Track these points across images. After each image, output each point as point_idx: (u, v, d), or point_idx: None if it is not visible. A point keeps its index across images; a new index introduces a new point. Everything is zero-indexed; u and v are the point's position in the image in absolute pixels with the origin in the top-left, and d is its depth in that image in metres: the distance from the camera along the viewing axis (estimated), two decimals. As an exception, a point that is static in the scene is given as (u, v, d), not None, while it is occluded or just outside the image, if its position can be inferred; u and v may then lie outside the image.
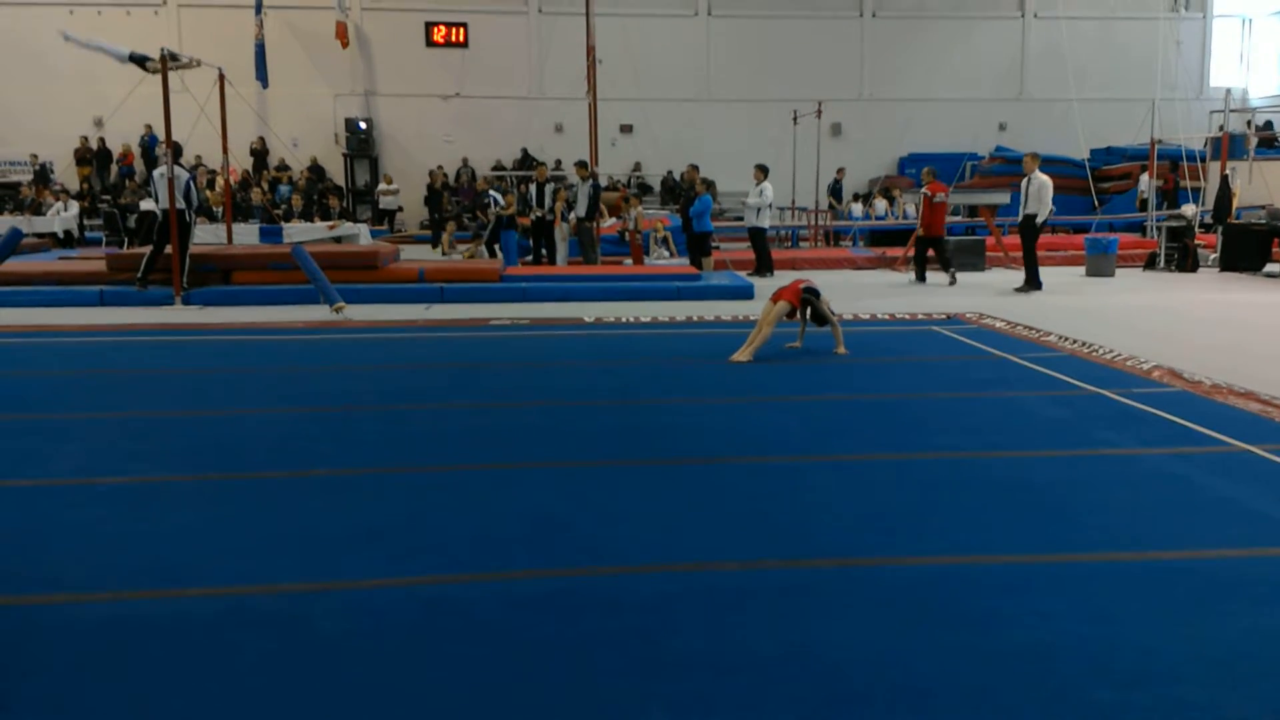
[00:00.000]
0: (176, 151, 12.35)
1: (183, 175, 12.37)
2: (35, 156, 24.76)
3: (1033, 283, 13.39)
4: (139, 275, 12.23)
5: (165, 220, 12.07)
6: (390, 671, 2.89)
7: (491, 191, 18.60)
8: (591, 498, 4.57)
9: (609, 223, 18.40)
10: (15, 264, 13.41)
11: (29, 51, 24.85)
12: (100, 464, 5.14)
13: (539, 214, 16.12)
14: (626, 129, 27.04)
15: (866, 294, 13.23)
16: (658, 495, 4.59)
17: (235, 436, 5.76)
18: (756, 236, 15.88)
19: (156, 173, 12.74)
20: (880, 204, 24.91)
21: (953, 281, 14.40)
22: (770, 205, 15.75)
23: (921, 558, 3.79)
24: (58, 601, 3.41)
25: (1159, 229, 17.37)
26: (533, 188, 16.22)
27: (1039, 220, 13.42)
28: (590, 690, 2.79)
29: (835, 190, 25.17)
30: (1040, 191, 13.28)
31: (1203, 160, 20.80)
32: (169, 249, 12.03)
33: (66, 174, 24.19)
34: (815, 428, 6.00)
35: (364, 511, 4.36)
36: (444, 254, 18.81)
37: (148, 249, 12.58)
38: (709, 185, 16.08)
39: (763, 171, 15.56)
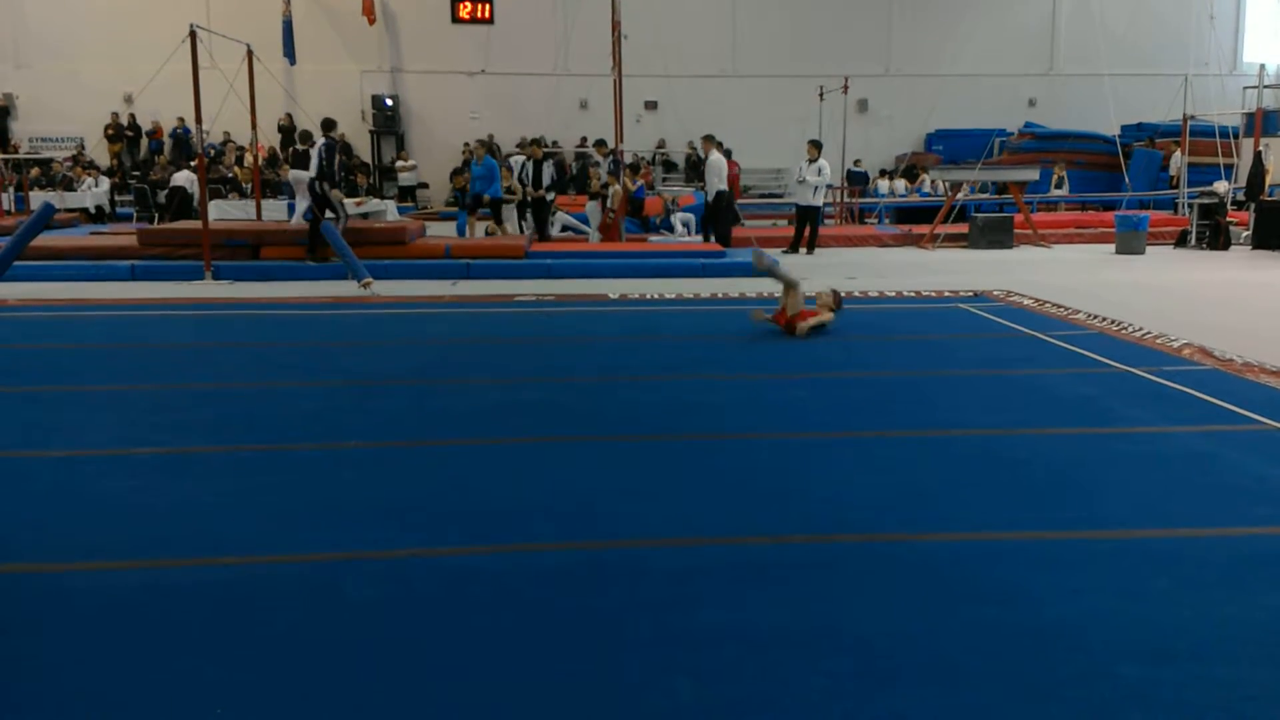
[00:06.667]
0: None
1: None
2: (83, 142, 24.90)
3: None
4: (309, 251, 12.50)
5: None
6: (418, 639, 2.93)
7: (511, 161, 17.58)
8: (617, 472, 4.58)
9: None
10: (47, 239, 13.53)
11: (58, 29, 25.01)
12: (132, 435, 5.21)
13: (534, 193, 15.31)
14: (651, 105, 26.88)
15: (893, 271, 13.15)
16: (683, 470, 4.61)
17: (265, 409, 5.82)
18: (811, 215, 15.56)
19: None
20: (901, 182, 24.69)
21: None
22: (826, 184, 15.55)
23: (949, 534, 3.78)
24: (92, 569, 3.47)
25: (1190, 206, 17.13)
26: (530, 165, 15.31)
27: (711, 197, 14.88)
28: (616, 661, 2.81)
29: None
30: (720, 171, 14.82)
31: (1236, 137, 20.45)
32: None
33: (97, 150, 24.35)
34: (841, 404, 5.98)
35: (392, 484, 4.40)
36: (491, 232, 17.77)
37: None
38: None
39: (817, 148, 15.30)
